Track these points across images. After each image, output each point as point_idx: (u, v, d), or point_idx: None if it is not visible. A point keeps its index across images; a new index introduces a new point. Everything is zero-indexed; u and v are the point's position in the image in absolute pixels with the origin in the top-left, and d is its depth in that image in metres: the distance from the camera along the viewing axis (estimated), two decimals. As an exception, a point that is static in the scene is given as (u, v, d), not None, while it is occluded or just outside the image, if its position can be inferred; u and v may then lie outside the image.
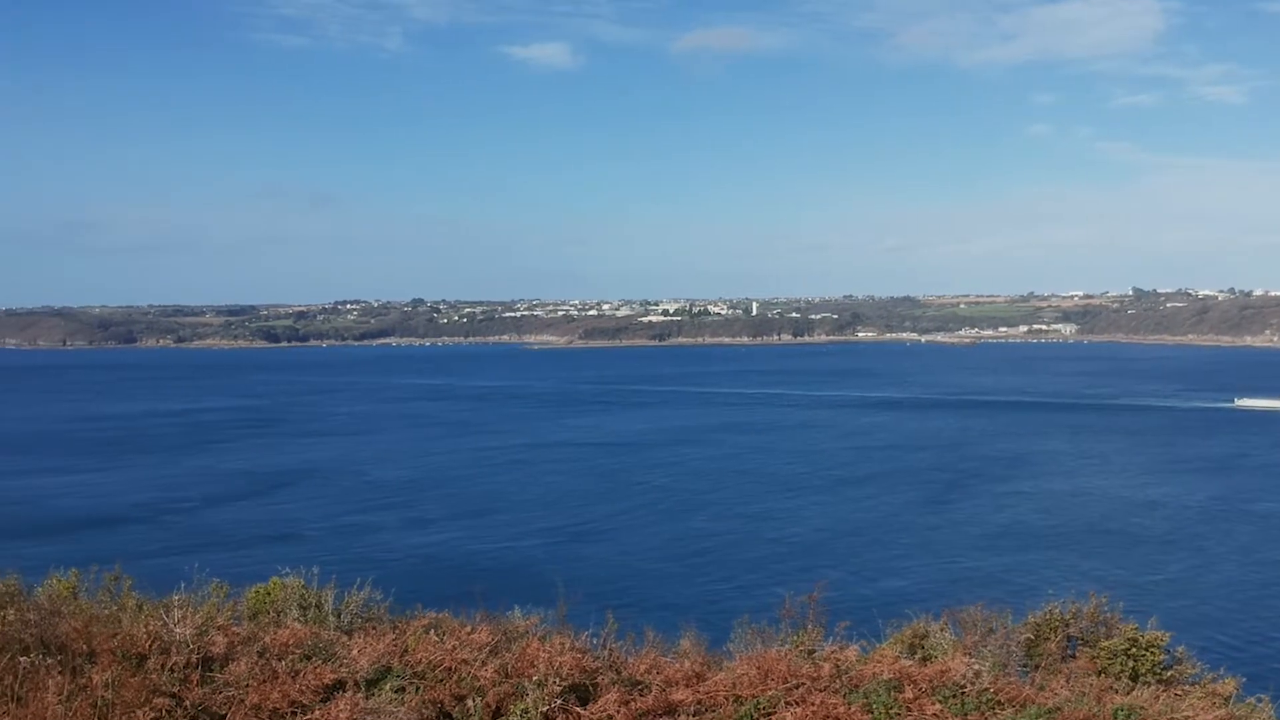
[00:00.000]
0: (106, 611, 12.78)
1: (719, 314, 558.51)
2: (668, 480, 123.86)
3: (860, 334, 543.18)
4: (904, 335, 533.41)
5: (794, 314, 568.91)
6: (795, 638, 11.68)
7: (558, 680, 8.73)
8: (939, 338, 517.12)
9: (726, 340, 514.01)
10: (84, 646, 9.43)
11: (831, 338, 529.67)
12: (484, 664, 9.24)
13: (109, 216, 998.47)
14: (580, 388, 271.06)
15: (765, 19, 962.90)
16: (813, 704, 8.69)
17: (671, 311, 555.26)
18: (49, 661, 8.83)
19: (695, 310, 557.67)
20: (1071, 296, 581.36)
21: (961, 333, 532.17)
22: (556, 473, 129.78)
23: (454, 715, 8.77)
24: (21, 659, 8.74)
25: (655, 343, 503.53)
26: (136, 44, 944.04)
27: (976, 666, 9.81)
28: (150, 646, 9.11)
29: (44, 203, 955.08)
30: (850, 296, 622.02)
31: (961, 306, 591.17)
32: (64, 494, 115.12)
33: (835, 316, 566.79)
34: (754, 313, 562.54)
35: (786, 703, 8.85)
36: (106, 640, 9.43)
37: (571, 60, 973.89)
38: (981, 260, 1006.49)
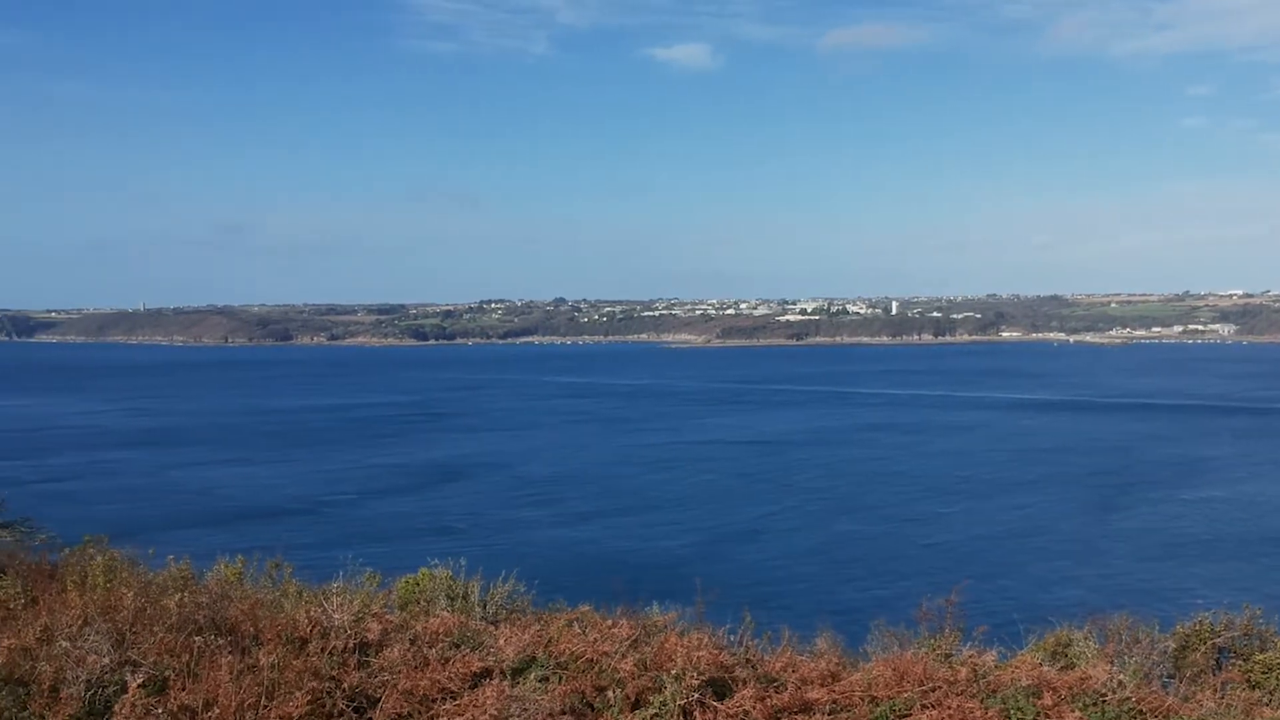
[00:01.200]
0: (270, 597, 13.55)
1: (858, 313, 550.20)
2: (813, 481, 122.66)
3: (1004, 334, 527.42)
4: (1051, 335, 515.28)
5: (935, 313, 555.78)
6: (932, 641, 11.61)
7: (695, 674, 8.92)
8: (1088, 338, 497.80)
9: (865, 340, 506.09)
10: (251, 629, 10.03)
11: (974, 337, 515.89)
12: (624, 657, 9.49)
13: (269, 219, 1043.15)
14: (719, 386, 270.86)
15: (913, 13, 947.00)
16: (949, 708, 8.67)
17: (809, 310, 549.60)
18: (220, 642, 9.40)
19: (833, 309, 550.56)
20: (1230, 295, 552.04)
21: (1112, 333, 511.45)
22: (701, 471, 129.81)
23: (595, 705, 9.05)
24: (196, 639, 9.34)
25: (793, 342, 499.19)
26: (293, 53, 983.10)
27: (1119, 675, 9.61)
28: (311, 631, 9.65)
29: (209, 207, 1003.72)
30: (994, 295, 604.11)
31: (1112, 305, 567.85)
32: (231, 485, 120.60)
33: (978, 316, 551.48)
34: (893, 312, 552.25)
35: (922, 705, 8.84)
36: (271, 624, 10.03)
37: (712, 60, 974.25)
38: (1132, 258, 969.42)
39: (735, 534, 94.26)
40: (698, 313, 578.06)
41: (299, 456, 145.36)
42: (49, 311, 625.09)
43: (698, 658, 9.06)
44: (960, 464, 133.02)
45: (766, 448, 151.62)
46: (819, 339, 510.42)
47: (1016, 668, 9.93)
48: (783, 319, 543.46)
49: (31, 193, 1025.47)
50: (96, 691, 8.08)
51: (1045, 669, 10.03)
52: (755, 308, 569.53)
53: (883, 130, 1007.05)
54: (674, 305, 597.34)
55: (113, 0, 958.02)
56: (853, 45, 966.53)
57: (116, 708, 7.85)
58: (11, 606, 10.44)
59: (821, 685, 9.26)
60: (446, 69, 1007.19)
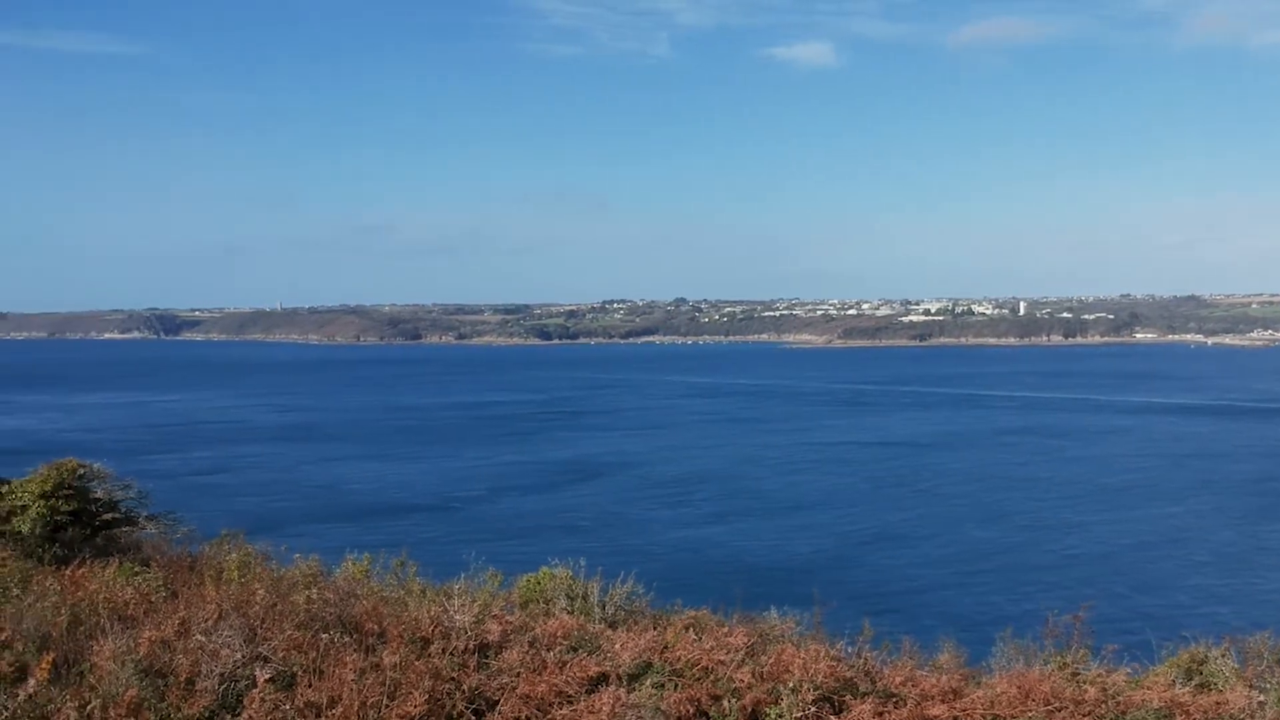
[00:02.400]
0: (395, 595, 13.89)
1: (984, 314, 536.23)
2: (945, 485, 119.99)
3: (1138, 335, 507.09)
4: (1187, 337, 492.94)
5: (1065, 314, 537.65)
6: (1060, 657, 11.23)
7: (811, 688, 8.82)
8: (1227, 340, 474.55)
9: (991, 341, 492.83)
10: (375, 627, 10.28)
11: (1106, 339, 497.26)
12: (740, 666, 9.44)
13: (401, 221, 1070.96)
14: (843, 387, 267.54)
15: (1043, 7, 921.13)
16: (1077, 729, 8.39)
17: (933, 311, 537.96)
18: (346, 640, 9.65)
19: (958, 310, 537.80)
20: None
21: (1254, 334, 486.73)
22: (828, 474, 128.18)
23: (710, 714, 9.02)
24: (323, 636, 9.61)
25: (916, 343, 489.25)
26: (422, 59, 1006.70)
27: (1259, 699, 9.15)
28: (433, 632, 9.84)
29: (344, 209, 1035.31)
30: (1127, 295, 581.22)
31: (1254, 306, 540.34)
32: (364, 480, 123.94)
33: (1110, 316, 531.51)
34: (1021, 312, 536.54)
35: (1048, 725, 8.58)
36: (395, 623, 10.26)
37: (835, 59, 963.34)
38: (1275, 257, 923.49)
39: (862, 539, 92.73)
40: (819, 313, 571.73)
41: (431, 453, 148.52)
42: (193, 311, 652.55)
43: (814, 670, 8.95)
44: (1102, 470, 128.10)
45: (895, 450, 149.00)
46: (943, 340, 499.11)
47: (1148, 688, 9.54)
48: (906, 319, 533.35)
49: (178, 198, 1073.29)
50: (229, 685, 8.38)
51: (1179, 690, 9.62)
52: (877, 308, 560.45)
53: (1011, 127, 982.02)
54: (795, 305, 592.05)
55: (247, 11, 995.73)
56: (981, 41, 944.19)
57: (246, 701, 8.12)
58: (153, 600, 10.90)
59: (943, 701, 9.05)
60: (571, 72, 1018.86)
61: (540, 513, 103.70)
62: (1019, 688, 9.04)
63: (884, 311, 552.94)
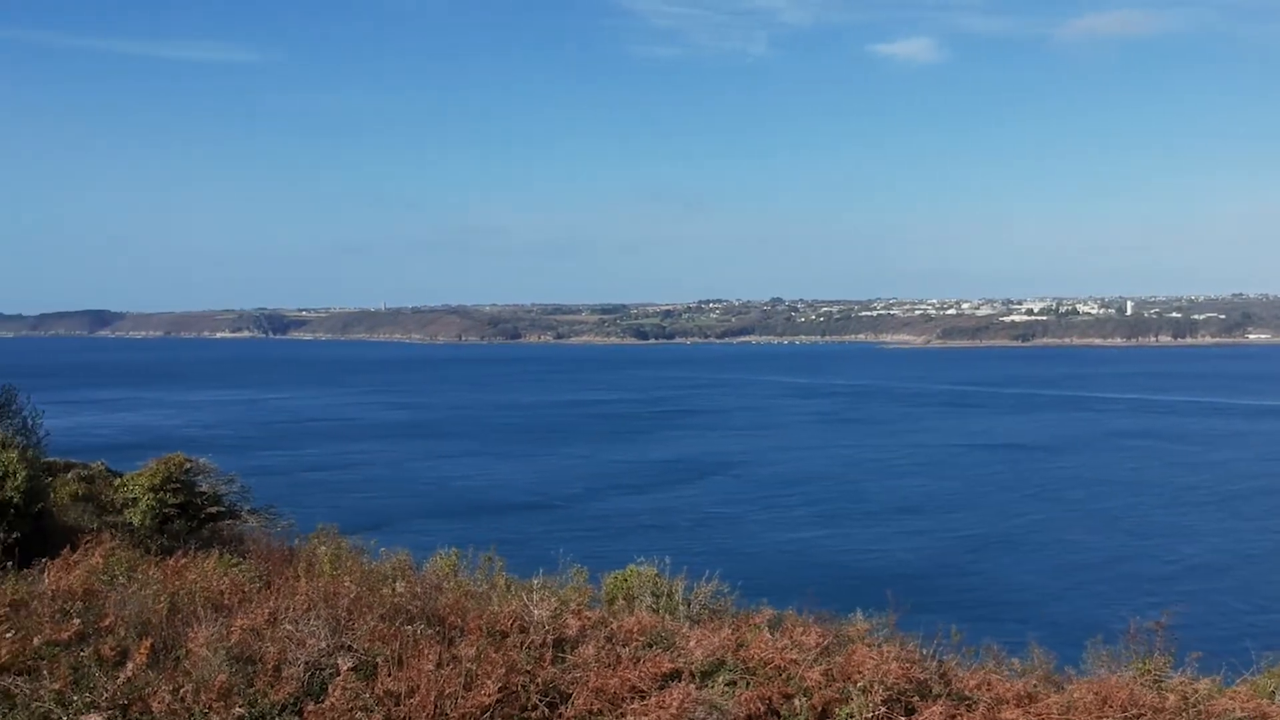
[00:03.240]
0: (480, 589, 14.21)
1: (1089, 313, 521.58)
2: (1051, 488, 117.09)
3: (1251, 336, 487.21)
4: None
5: (1174, 313, 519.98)
6: (1141, 664, 11.00)
7: (882, 688, 8.82)
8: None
9: (1097, 341, 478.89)
10: (457, 620, 10.55)
11: (1218, 339, 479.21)
12: (811, 665, 9.48)
13: (504, 222, 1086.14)
14: (943, 388, 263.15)
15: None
16: (1154, 737, 8.25)
17: (1036, 311, 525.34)
18: (429, 632, 9.93)
19: (1062, 309, 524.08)
20: None
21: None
22: (930, 476, 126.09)
23: (781, 713, 9.08)
24: (406, 628, 9.91)
25: (1018, 343, 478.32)
26: (523, 61, 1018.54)
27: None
28: (511, 625, 10.08)
29: (451, 211, 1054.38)
30: (1240, 295, 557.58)
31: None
32: (467, 477, 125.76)
33: (1222, 316, 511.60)
34: (1128, 312, 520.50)
35: (1125, 733, 8.45)
36: (476, 616, 10.53)
37: (937, 54, 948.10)
38: None
39: (964, 544, 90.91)
40: (917, 313, 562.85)
41: (533, 450, 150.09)
42: (301, 311, 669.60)
43: (886, 670, 8.94)
44: (1219, 476, 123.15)
45: (999, 453, 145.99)
46: (1046, 340, 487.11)
47: (1233, 698, 9.32)
48: (1007, 319, 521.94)
49: (287, 201, 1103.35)
50: (313, 673, 8.70)
51: (1265, 702, 9.37)
52: (978, 308, 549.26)
53: (1121, 123, 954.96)
54: (893, 305, 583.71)
55: (356, 18, 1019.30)
56: (1091, 34, 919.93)
57: (330, 689, 8.43)
58: (247, 590, 11.34)
59: (1017, 706, 8.96)
60: (670, 73, 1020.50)
61: (637, 512, 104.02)
62: (1096, 693, 8.90)
63: (985, 311, 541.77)
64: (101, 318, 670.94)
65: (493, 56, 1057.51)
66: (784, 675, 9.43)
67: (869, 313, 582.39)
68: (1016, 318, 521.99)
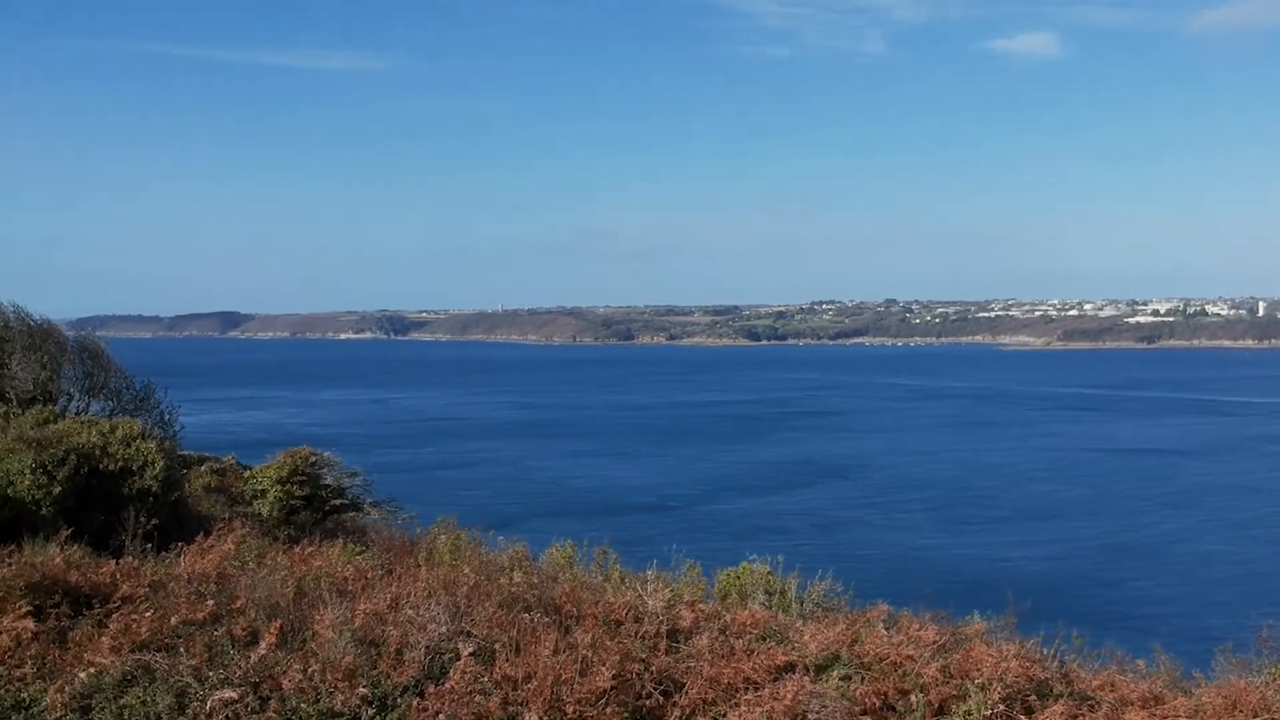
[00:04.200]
0: (594, 581, 14.38)
1: (1218, 314, 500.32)
2: (1182, 494, 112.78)
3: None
4: None
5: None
6: (1273, 670, 10.57)
7: (1001, 686, 8.66)
8: None
9: (1226, 343, 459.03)
10: (573, 610, 10.71)
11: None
12: (928, 662, 9.36)
13: (619, 224, 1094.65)
14: (1066, 391, 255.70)
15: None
16: (1289, 743, 7.93)
17: (1162, 312, 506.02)
18: (545, 620, 10.10)
19: (1190, 310, 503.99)
20: None
21: None
22: (1053, 481, 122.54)
23: (896, 708, 8.99)
24: (523, 615, 10.10)
25: (1143, 345, 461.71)
26: (637, 63, 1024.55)
27: None
28: (626, 615, 10.19)
29: (566, 214, 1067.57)
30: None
31: None
32: (583, 477, 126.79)
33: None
34: (1260, 313, 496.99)
35: (1257, 737, 8.14)
36: (591, 605, 10.67)
37: (1059, 49, 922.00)
38: None
39: (1089, 551, 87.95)
40: (1037, 314, 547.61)
41: (647, 451, 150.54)
42: (420, 312, 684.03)
43: (1005, 669, 8.78)
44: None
45: (1128, 457, 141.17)
46: (1173, 342, 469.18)
47: (1376, 707, 8.90)
48: (1131, 320, 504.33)
49: (408, 205, 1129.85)
50: (434, 657, 8.93)
51: None
52: (1101, 308, 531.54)
53: (1254, 118, 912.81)
54: (1011, 305, 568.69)
55: (473, 24, 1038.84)
56: (1224, 26, 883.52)
57: (450, 672, 8.65)
58: (370, 576, 11.68)
59: (1142, 708, 8.70)
60: (783, 73, 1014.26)
61: (752, 513, 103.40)
62: (1225, 697, 8.59)
63: (1108, 312, 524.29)
64: (232, 319, 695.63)
65: (603, 59, 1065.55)
66: (900, 671, 9.33)
67: (986, 314, 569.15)
68: (1141, 319, 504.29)
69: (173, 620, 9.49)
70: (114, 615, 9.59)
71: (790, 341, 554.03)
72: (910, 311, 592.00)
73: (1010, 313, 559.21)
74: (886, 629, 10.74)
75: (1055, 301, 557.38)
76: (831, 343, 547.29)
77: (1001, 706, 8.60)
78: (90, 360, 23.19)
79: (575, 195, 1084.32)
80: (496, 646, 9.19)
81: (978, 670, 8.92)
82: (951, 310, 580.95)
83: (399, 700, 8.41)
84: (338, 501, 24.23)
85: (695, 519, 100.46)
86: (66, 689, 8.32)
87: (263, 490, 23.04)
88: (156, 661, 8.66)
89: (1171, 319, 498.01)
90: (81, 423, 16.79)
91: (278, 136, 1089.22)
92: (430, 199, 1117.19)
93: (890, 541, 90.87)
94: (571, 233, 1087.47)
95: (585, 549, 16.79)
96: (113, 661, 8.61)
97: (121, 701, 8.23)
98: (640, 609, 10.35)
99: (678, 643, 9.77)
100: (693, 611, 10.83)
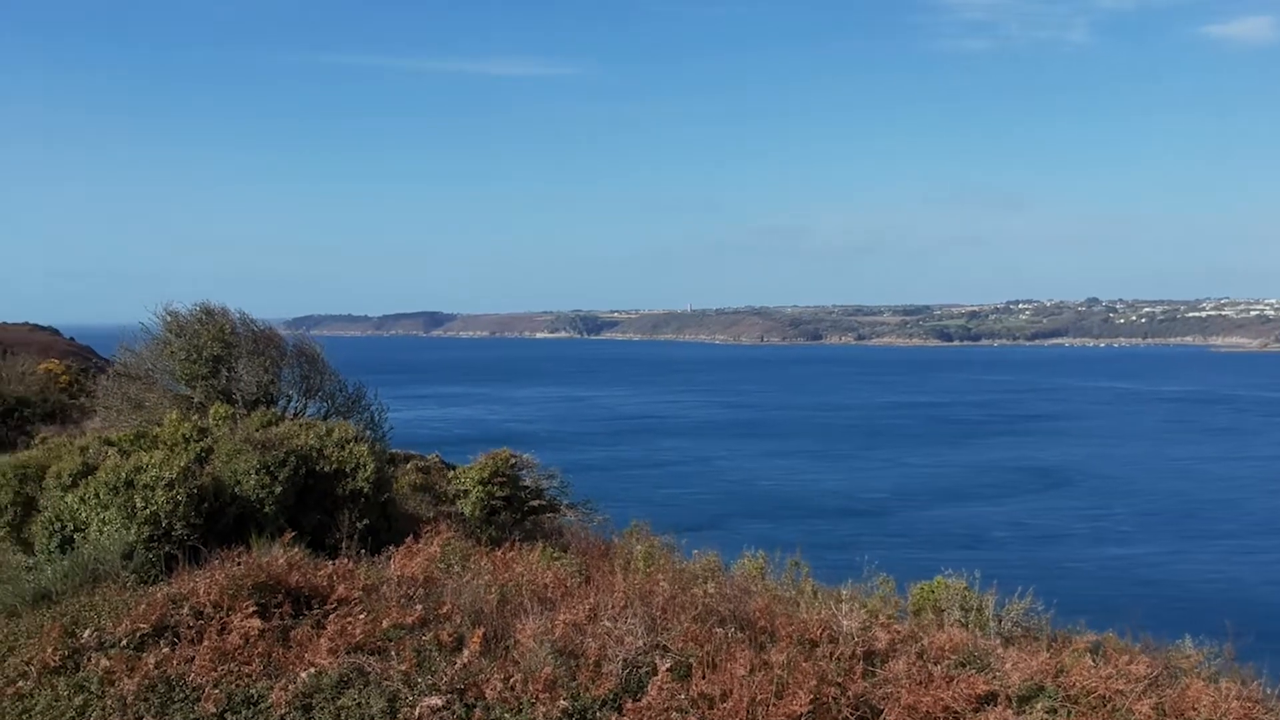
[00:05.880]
0: (787, 594, 14.31)
1: None
2: None
3: None
4: None
5: None
6: None
7: (1221, 728, 8.17)
8: None
9: None
10: (766, 625, 10.69)
11: None
12: (1140, 698, 8.92)
13: (807, 223, 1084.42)
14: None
15: None
16: None
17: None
18: (740, 636, 10.11)
19: None
20: None
21: None
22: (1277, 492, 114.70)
23: (1106, 746, 8.61)
24: (717, 630, 10.14)
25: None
26: (831, 59, 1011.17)
27: None
28: (821, 634, 10.10)
29: (756, 213, 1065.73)
30: None
31: None
32: (772, 476, 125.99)
33: None
34: None
35: None
36: (785, 623, 10.62)
37: (1277, 34, 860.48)
38: None
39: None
40: (1253, 313, 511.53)
41: (840, 453, 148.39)
42: (612, 312, 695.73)
43: (1225, 709, 8.28)
44: None
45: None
46: None
47: None
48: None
49: (600, 207, 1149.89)
50: (631, 670, 9.07)
51: None
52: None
53: None
54: (1224, 305, 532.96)
55: (661, 27, 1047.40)
56: None
57: (648, 687, 8.77)
58: (568, 585, 11.96)
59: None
60: (981, 66, 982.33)
61: (947, 520, 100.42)
62: None
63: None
64: (435, 319, 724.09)
65: (794, 56, 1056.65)
66: (1109, 706, 8.92)
67: (1197, 314, 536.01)
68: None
69: (384, 624, 9.97)
70: (331, 616, 10.15)
71: (984, 342, 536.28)
72: (1114, 311, 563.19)
73: (1223, 312, 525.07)
74: (1094, 660, 10.29)
75: (1273, 300, 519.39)
76: (1028, 343, 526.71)
77: (1222, 751, 8.13)
78: (307, 364, 24.53)
79: (765, 195, 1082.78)
80: (692, 662, 9.26)
81: (1194, 710, 8.45)
82: (1159, 310, 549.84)
83: (597, 714, 8.59)
84: (536, 502, 24.93)
85: (887, 524, 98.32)
86: (290, 688, 8.85)
87: (465, 490, 23.91)
88: (369, 665, 9.11)
89: None
90: (300, 425, 17.79)
91: (475, 143, 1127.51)
92: (622, 201, 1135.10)
93: (1096, 555, 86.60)
94: (760, 232, 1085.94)
95: (777, 559, 16.73)
96: (330, 663, 9.11)
97: (339, 703, 8.70)
98: (835, 629, 10.24)
99: (874, 666, 9.62)
100: (888, 632, 10.64)
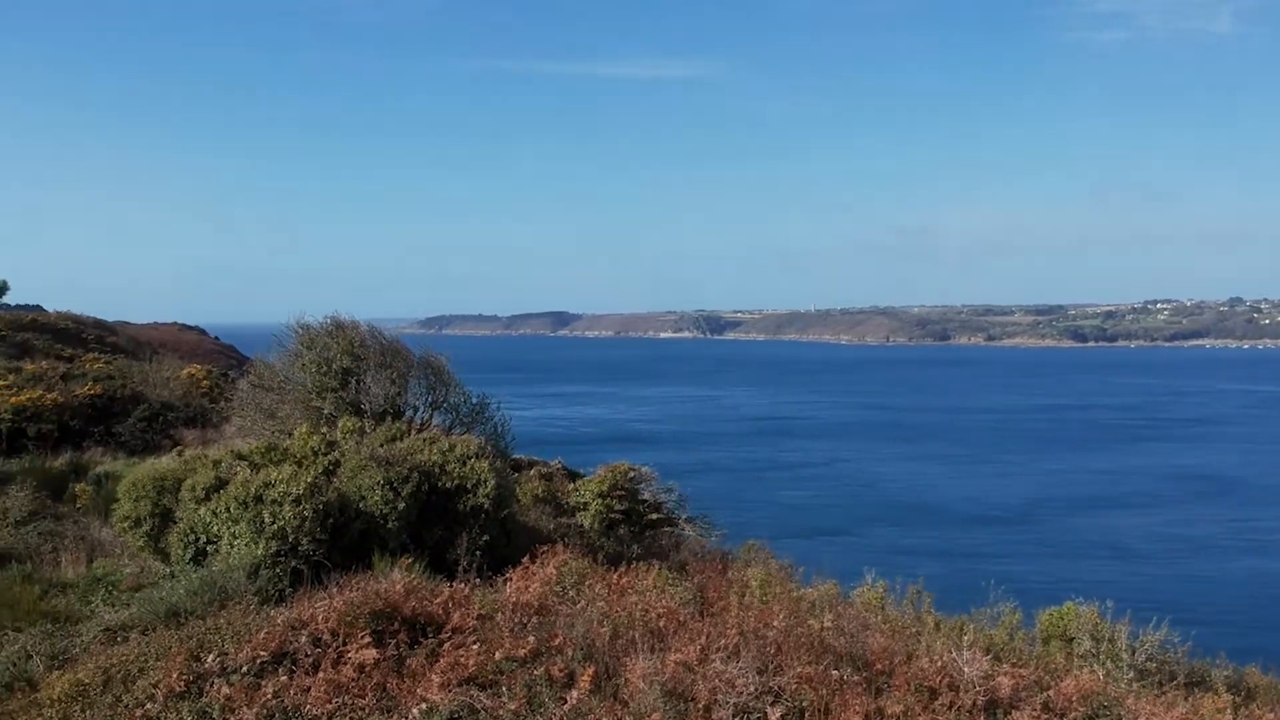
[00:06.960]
0: (908, 627, 13.92)
1: None
2: None
3: None
4: None
5: None
6: None
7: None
8: None
9: None
10: (884, 667, 10.38)
11: None
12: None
13: (936, 222, 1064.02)
14: None
15: None
16: None
17: None
18: (855, 678, 9.84)
19: None
20: None
21: None
22: None
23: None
24: (833, 672, 9.89)
25: None
26: (956, 57, 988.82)
27: None
28: (940, 682, 9.76)
29: (876, 212, 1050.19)
30: None
31: None
32: (898, 480, 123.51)
33: None
34: None
35: None
36: (903, 666, 10.29)
37: None
38: None
39: None
40: None
41: (966, 456, 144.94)
42: (735, 312, 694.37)
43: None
44: None
45: None
46: None
47: None
48: None
49: (723, 207, 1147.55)
50: (742, 716, 8.90)
51: None
52: None
53: None
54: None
55: (797, 27, 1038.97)
56: None
57: (758, 735, 8.59)
58: (681, 618, 11.79)
59: None
60: (1116, 58, 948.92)
61: (1083, 529, 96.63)
62: None
63: None
64: (561, 318, 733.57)
65: (923, 53, 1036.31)
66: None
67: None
68: None
69: (496, 655, 9.97)
70: (445, 646, 10.22)
71: (1120, 343, 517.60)
72: (1259, 311, 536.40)
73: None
74: (1233, 712, 9.72)
75: None
76: (1168, 344, 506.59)
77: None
78: (433, 375, 24.93)
79: (892, 193, 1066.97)
80: (805, 707, 9.05)
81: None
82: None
83: (707, 762, 8.45)
84: (654, 516, 24.89)
85: (1019, 534, 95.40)
86: (401, 724, 8.93)
87: (585, 503, 24.03)
88: (480, 701, 9.13)
89: None
90: (423, 441, 18.07)
91: (602, 145, 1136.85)
92: (748, 201, 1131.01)
93: (1243, 569, 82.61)
94: (887, 231, 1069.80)
95: (898, 587, 16.31)
96: (442, 698, 9.16)
97: (450, 741, 8.74)
98: (956, 676, 9.89)
99: (995, 717, 9.26)
100: (1012, 679, 10.22)
